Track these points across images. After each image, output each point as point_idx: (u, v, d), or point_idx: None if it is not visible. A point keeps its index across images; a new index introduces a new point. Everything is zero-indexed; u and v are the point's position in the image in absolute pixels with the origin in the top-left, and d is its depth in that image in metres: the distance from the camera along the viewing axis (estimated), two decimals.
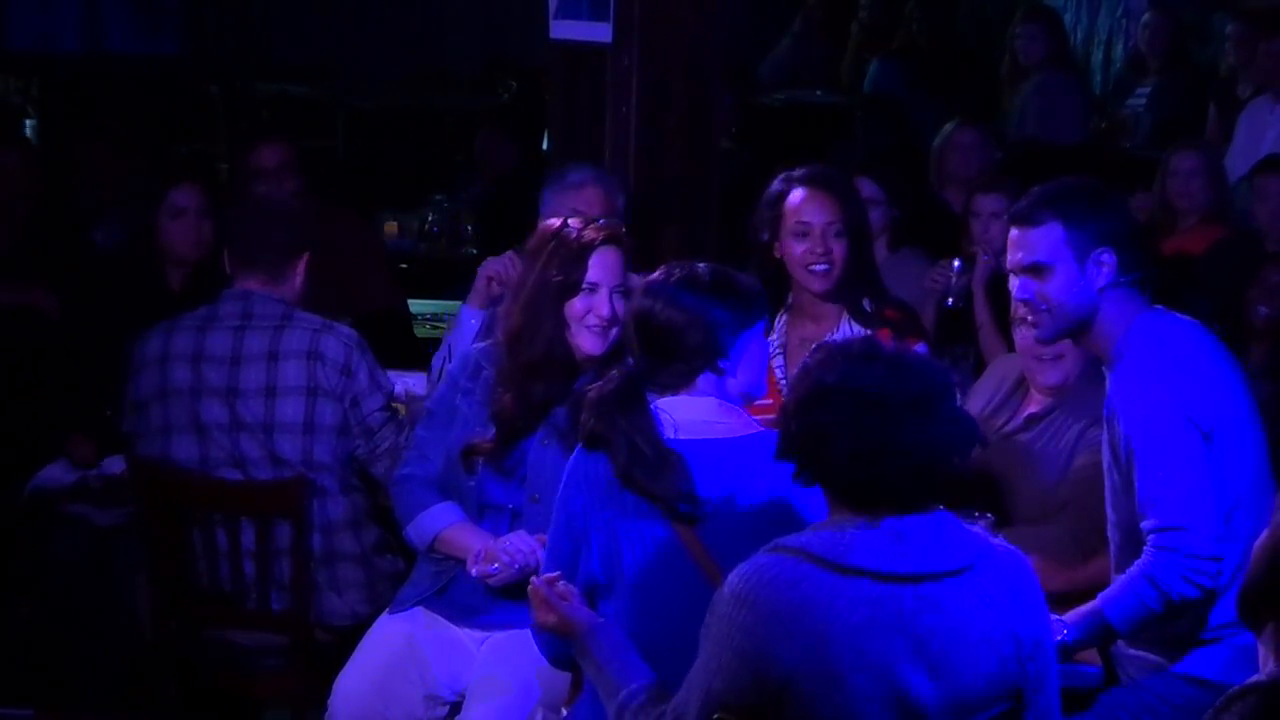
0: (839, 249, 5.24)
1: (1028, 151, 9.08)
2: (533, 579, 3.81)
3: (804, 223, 5.24)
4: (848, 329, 5.24)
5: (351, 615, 5.15)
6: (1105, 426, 4.26)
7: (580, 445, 3.89)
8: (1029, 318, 4.36)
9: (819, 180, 5.30)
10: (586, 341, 4.61)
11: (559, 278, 4.58)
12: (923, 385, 3.31)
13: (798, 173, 5.34)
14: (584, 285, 4.58)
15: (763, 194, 5.37)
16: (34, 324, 6.41)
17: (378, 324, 6.36)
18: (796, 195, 5.27)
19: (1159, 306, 4.28)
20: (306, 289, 5.28)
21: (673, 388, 3.90)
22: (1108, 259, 4.19)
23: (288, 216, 5.39)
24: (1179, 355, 4.17)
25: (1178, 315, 4.28)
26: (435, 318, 6.93)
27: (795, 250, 5.25)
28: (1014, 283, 4.29)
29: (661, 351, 3.88)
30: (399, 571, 5.21)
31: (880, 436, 3.28)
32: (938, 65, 10.91)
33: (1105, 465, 4.28)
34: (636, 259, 4.72)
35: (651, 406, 3.86)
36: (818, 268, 5.24)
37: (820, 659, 3.22)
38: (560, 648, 3.85)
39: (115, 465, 5.57)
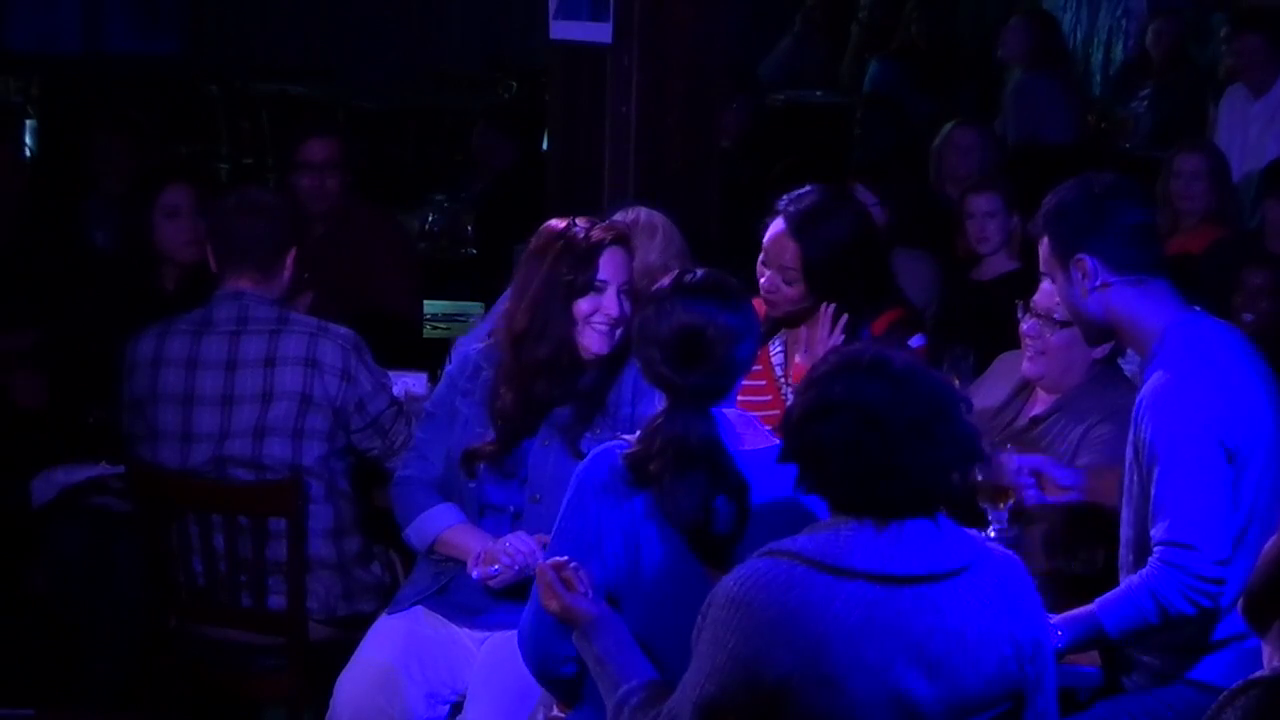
0: (790, 292, 5.05)
1: (1027, 152, 9.09)
2: (541, 562, 3.77)
3: (766, 250, 5.09)
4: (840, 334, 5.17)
5: (325, 612, 5.13)
6: (1132, 425, 4.22)
7: (594, 452, 3.85)
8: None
9: (792, 222, 5.04)
10: (592, 341, 4.60)
11: (569, 277, 4.56)
12: (927, 406, 3.27)
13: (784, 201, 5.09)
14: (594, 285, 4.57)
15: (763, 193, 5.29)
16: (17, 362, 6.37)
17: (386, 322, 6.34)
18: (773, 225, 5.07)
19: (1197, 308, 4.24)
20: (323, 284, 5.24)
21: (714, 402, 3.80)
22: (1085, 261, 4.19)
23: (274, 210, 5.28)
24: (1214, 367, 4.11)
25: (1216, 320, 4.24)
26: (435, 318, 6.91)
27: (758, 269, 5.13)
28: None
29: (706, 364, 3.78)
30: (385, 584, 5.20)
31: (879, 457, 3.26)
32: (938, 65, 10.93)
33: (1126, 463, 4.25)
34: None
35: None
36: (763, 294, 5.09)
37: (817, 661, 3.22)
38: (547, 658, 3.83)
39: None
